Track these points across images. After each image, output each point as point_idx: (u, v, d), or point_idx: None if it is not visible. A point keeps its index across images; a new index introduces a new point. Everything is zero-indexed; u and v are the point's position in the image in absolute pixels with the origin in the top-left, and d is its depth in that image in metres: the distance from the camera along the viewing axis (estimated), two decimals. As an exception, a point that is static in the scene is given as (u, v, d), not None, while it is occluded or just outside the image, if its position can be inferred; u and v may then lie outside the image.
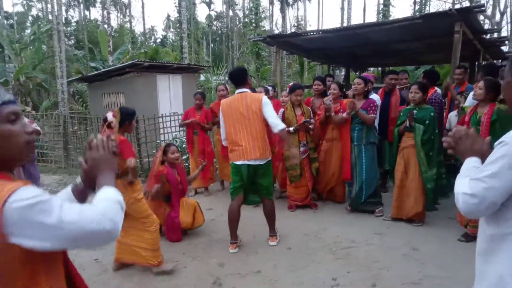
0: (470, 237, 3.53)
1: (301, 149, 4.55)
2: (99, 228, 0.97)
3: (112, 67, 9.78)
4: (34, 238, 0.90)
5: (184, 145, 6.36)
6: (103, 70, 10.15)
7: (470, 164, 1.28)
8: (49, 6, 24.71)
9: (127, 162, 2.86)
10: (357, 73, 14.08)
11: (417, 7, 27.39)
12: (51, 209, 0.92)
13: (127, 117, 3.02)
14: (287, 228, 4.08)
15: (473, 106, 3.64)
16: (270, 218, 3.71)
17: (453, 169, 3.76)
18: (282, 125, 3.39)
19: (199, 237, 3.98)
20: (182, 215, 3.87)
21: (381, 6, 23.85)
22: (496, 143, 1.18)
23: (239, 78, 3.55)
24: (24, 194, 0.90)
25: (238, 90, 3.53)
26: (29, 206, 0.89)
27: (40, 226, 0.90)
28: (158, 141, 6.99)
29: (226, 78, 15.70)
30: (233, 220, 3.61)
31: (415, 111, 3.96)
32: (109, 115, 2.97)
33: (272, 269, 3.21)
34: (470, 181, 1.17)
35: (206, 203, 5.03)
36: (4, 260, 0.93)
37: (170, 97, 8.99)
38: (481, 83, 3.45)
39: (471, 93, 3.90)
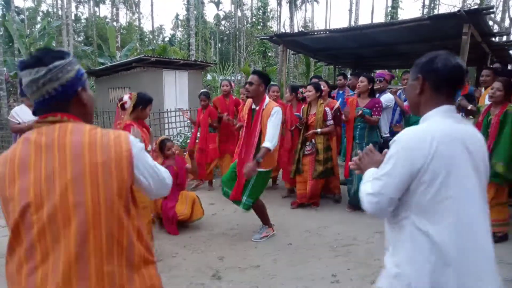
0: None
1: (307, 147, 4.58)
2: None
3: (119, 62, 9.84)
4: None
5: (188, 141, 6.37)
6: (110, 64, 10.21)
7: (370, 172, 1.34)
8: (59, 1, 24.90)
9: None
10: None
11: (425, 11, 27.26)
12: None
13: (141, 102, 3.06)
14: (288, 224, 4.08)
15: (487, 107, 3.58)
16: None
17: None
18: None
19: (200, 230, 3.99)
20: (180, 207, 3.87)
21: (389, 9, 23.78)
22: (390, 142, 1.26)
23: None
24: None
25: None
26: None
27: None
28: (162, 136, 7.02)
29: (233, 78, 15.74)
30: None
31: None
32: (126, 96, 3.07)
33: (272, 264, 3.21)
34: (372, 181, 1.25)
35: (208, 198, 5.04)
36: None
37: (176, 93, 9.03)
38: (498, 84, 3.36)
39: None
